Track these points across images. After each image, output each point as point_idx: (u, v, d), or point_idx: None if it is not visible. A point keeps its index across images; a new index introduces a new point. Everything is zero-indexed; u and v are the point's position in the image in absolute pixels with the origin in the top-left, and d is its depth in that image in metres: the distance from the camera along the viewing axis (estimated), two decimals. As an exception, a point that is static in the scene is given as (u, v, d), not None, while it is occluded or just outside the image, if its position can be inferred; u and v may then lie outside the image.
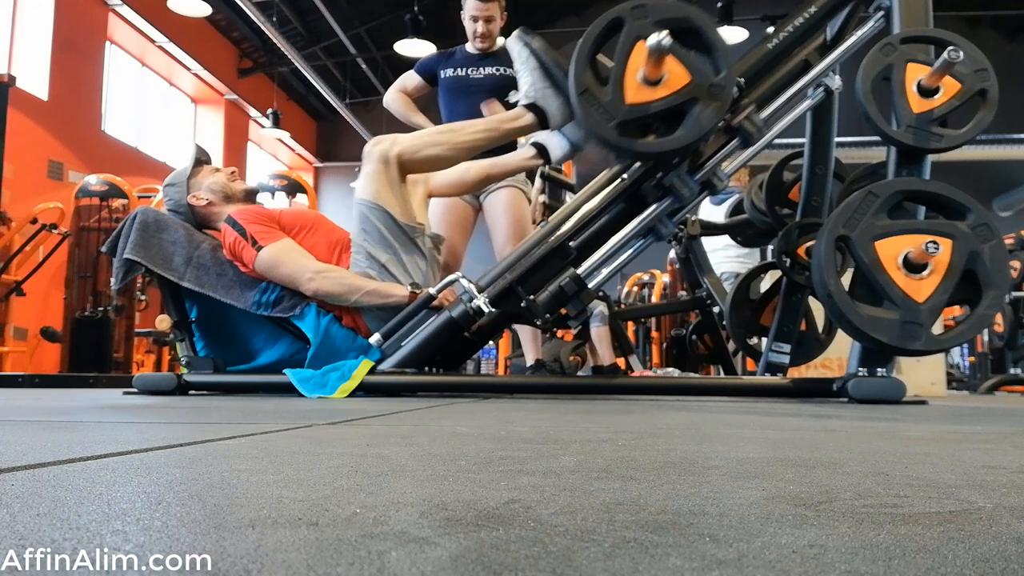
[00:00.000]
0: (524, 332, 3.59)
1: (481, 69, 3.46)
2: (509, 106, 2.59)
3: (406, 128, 3.79)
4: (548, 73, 2.30)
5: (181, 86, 11.96)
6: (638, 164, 2.36)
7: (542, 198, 3.90)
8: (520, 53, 2.32)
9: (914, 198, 2.17)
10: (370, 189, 2.41)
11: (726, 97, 2.08)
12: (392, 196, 2.41)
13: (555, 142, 2.37)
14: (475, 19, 3.43)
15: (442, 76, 3.52)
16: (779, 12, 5.81)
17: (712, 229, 4.53)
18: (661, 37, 1.97)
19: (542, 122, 2.36)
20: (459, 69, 3.49)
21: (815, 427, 1.21)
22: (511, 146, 2.87)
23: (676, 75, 2.06)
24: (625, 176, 2.38)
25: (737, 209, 4.48)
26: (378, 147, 2.41)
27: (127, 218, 2.60)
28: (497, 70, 3.44)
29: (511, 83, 3.39)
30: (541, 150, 2.40)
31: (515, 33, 2.33)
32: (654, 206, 2.35)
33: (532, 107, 2.35)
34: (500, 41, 3.51)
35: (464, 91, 3.41)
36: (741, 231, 4.51)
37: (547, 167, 3.18)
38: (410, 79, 3.61)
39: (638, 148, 2.13)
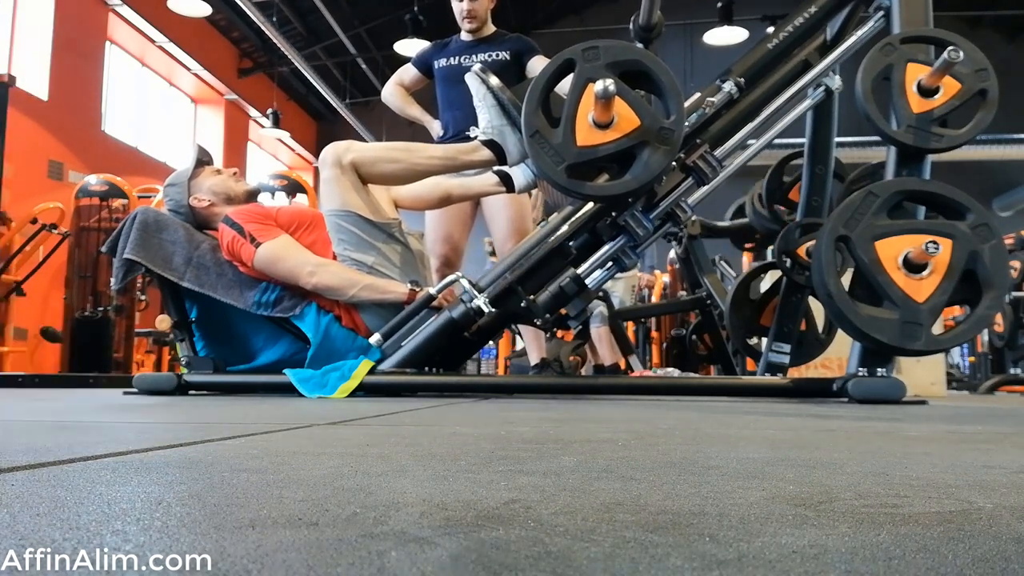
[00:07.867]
0: (527, 332, 3.59)
1: (475, 56, 3.43)
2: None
3: (407, 126, 3.80)
4: (505, 110, 2.32)
5: (181, 86, 11.96)
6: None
7: (544, 197, 3.90)
8: (478, 90, 2.34)
9: (914, 198, 2.17)
10: (335, 198, 2.42)
11: (675, 140, 2.07)
12: (358, 198, 2.42)
13: (518, 172, 2.40)
14: None
15: (437, 66, 3.51)
16: (779, 12, 5.81)
17: (713, 232, 4.54)
18: (607, 83, 1.97)
19: (500, 157, 2.38)
20: (453, 58, 3.47)
21: (815, 427, 1.21)
22: None
23: (625, 118, 2.06)
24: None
25: (738, 213, 4.49)
26: (332, 152, 2.41)
27: (127, 218, 2.59)
28: (490, 56, 3.42)
29: (507, 67, 3.39)
30: (505, 178, 2.42)
31: (473, 70, 2.35)
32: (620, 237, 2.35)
33: (490, 143, 2.37)
34: (493, 27, 3.51)
35: (459, 80, 3.40)
36: (742, 235, 4.52)
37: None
38: (407, 72, 3.61)
39: (587, 191, 2.14)
